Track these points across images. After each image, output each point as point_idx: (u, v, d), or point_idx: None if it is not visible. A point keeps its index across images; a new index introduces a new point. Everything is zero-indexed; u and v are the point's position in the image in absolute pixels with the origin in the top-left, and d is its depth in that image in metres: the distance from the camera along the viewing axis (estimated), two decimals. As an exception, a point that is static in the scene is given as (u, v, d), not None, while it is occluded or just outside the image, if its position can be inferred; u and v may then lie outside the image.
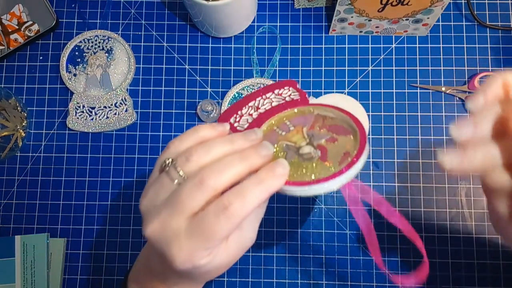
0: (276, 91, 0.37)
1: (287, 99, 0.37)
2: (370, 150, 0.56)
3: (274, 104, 0.36)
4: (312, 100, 0.37)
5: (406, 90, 0.57)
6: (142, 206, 0.30)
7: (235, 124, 0.35)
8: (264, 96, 0.37)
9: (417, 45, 0.58)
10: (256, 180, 0.28)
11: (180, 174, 0.29)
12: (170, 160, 0.30)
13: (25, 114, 0.58)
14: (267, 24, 0.59)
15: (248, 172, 0.29)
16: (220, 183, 0.28)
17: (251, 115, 0.36)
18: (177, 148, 0.31)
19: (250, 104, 0.37)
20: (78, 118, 0.58)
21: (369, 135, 0.56)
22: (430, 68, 0.57)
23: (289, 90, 0.37)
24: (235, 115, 0.36)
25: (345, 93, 0.57)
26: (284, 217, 0.55)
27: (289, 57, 0.58)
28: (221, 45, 0.59)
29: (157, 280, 0.35)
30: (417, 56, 0.58)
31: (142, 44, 0.60)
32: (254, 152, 0.29)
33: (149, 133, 0.58)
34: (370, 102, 0.57)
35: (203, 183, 0.27)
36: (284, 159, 0.30)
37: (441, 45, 0.58)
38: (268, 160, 0.30)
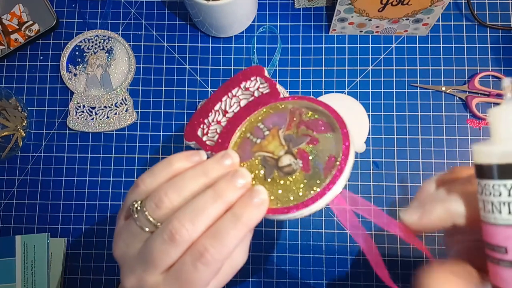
0: (242, 85, 0.33)
1: (256, 94, 0.33)
2: (370, 149, 0.56)
3: (242, 103, 0.32)
4: (281, 90, 0.34)
5: (406, 90, 0.57)
6: (115, 254, 0.28)
7: (204, 138, 0.32)
8: (230, 95, 0.33)
9: (417, 45, 0.58)
10: (232, 219, 0.26)
11: (151, 222, 0.26)
12: (139, 203, 0.27)
13: (26, 114, 0.58)
14: (267, 24, 0.59)
15: (225, 210, 0.26)
16: (194, 234, 0.25)
17: (219, 122, 0.32)
18: (148, 186, 0.28)
19: (217, 107, 0.32)
20: (78, 118, 0.58)
21: (369, 135, 0.56)
22: (430, 68, 0.57)
23: (257, 81, 0.33)
24: (202, 126, 0.32)
25: (345, 93, 0.57)
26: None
27: (289, 56, 0.58)
28: (221, 45, 0.59)
29: None
30: (417, 56, 0.58)
31: (143, 44, 0.60)
32: (229, 184, 0.26)
33: (150, 133, 0.58)
34: (370, 101, 0.57)
35: (175, 239, 0.25)
36: (261, 187, 0.27)
37: (441, 45, 0.58)
38: (247, 189, 0.27)
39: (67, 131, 0.58)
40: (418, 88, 0.57)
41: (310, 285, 0.54)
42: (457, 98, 0.57)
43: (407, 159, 0.55)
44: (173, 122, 0.58)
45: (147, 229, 0.26)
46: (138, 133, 0.58)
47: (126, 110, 0.58)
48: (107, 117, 0.57)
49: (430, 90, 0.57)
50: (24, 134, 0.58)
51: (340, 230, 0.54)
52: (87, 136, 0.58)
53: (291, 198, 0.28)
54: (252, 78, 0.33)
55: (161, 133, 0.58)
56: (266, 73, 0.33)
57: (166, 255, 0.25)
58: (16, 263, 0.55)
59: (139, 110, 0.58)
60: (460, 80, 0.57)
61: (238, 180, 0.27)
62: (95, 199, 0.57)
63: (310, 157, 0.29)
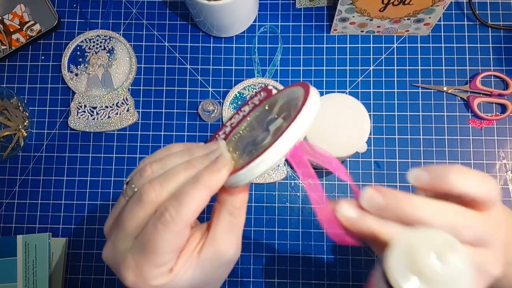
0: (250, 101, 0.34)
1: (256, 101, 0.34)
2: (372, 149, 0.56)
3: (245, 113, 0.34)
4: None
5: (408, 90, 0.57)
6: (104, 230, 0.29)
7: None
8: (240, 112, 0.34)
9: (419, 45, 0.58)
10: (192, 180, 0.26)
11: (135, 191, 0.27)
12: (129, 177, 0.28)
13: (27, 114, 0.58)
14: (268, 23, 0.59)
15: (207, 191, 0.26)
16: (160, 196, 0.26)
17: (225, 128, 0.34)
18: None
19: (227, 123, 0.34)
20: (79, 117, 0.58)
21: (370, 135, 0.55)
22: (431, 67, 0.57)
23: (261, 95, 0.34)
24: (215, 136, 0.34)
25: (346, 93, 0.57)
26: (285, 217, 0.55)
27: (290, 56, 0.58)
28: (223, 45, 0.59)
29: None
30: (419, 56, 0.58)
31: (144, 43, 0.60)
32: (204, 158, 0.27)
33: (151, 133, 0.58)
34: (372, 101, 0.57)
35: (142, 199, 0.25)
36: (226, 153, 0.28)
37: (442, 45, 0.58)
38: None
39: (69, 131, 0.58)
40: (420, 88, 0.57)
41: (311, 285, 0.54)
42: (459, 98, 0.57)
43: (409, 159, 0.55)
44: (174, 122, 0.58)
45: (127, 198, 0.27)
46: (139, 133, 0.58)
47: (127, 110, 0.58)
48: (109, 117, 0.58)
49: (432, 90, 0.57)
50: (26, 134, 0.58)
51: (341, 230, 0.54)
52: (88, 136, 0.58)
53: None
54: (258, 95, 0.35)
55: (162, 133, 0.58)
56: (274, 91, 0.34)
57: (133, 216, 0.26)
58: (18, 263, 0.55)
59: (140, 110, 0.58)
60: (461, 80, 0.57)
61: (214, 154, 0.27)
62: (97, 199, 0.57)
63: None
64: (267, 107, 0.33)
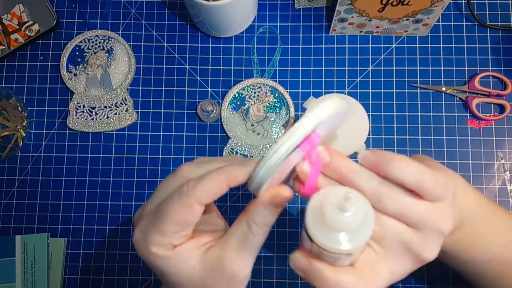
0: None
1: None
2: (369, 149, 0.56)
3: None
4: (311, 100, 0.34)
5: (406, 90, 0.57)
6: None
7: None
8: None
9: (418, 45, 0.58)
10: (219, 170, 0.28)
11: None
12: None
13: (26, 114, 0.58)
14: (267, 24, 0.59)
15: (226, 178, 0.28)
16: (192, 173, 0.29)
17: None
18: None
19: None
20: (78, 118, 0.58)
21: (369, 135, 0.56)
22: (430, 68, 0.57)
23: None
24: None
25: (345, 93, 0.57)
26: (285, 217, 0.55)
27: (289, 57, 0.58)
28: (222, 45, 0.59)
29: None
30: (417, 56, 0.58)
31: (143, 44, 0.60)
32: (240, 167, 0.28)
33: (150, 133, 0.58)
34: (370, 102, 0.57)
35: (176, 171, 0.29)
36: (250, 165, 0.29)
37: (441, 45, 0.58)
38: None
39: (67, 131, 0.58)
40: (418, 88, 0.57)
41: (310, 286, 0.54)
42: (457, 99, 0.57)
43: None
44: (173, 122, 0.58)
45: None
46: (138, 133, 0.58)
47: (126, 110, 0.58)
48: (107, 117, 0.57)
49: (430, 91, 0.57)
50: (24, 134, 0.58)
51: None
52: (87, 136, 0.58)
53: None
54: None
55: (161, 133, 0.58)
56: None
57: (164, 183, 0.29)
58: (16, 263, 0.55)
59: (139, 110, 0.58)
60: (460, 81, 0.57)
61: (247, 167, 0.28)
62: (95, 199, 0.57)
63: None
64: None
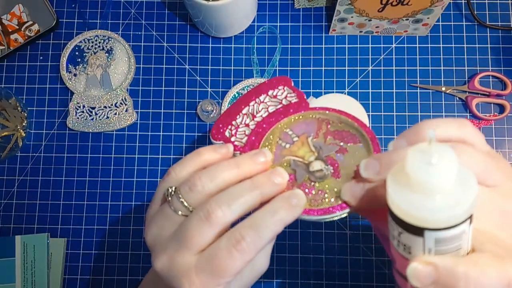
0: (270, 93, 0.35)
1: (284, 102, 0.34)
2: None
3: (270, 109, 0.34)
4: (311, 100, 0.35)
5: (406, 90, 0.57)
6: (148, 239, 0.29)
7: (232, 139, 0.33)
8: (258, 100, 0.34)
9: (417, 45, 0.58)
10: (271, 212, 0.27)
11: (185, 205, 0.27)
12: (173, 189, 0.28)
13: (25, 114, 0.58)
14: (267, 24, 0.59)
15: (260, 202, 0.27)
16: (229, 217, 0.26)
17: (247, 125, 0.33)
18: (179, 175, 0.29)
19: (244, 111, 0.34)
20: (78, 118, 0.58)
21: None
22: (430, 68, 0.57)
23: (284, 90, 0.35)
24: (230, 127, 0.33)
25: (345, 93, 0.57)
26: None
27: (289, 57, 0.58)
28: (221, 45, 0.59)
29: None
30: (417, 56, 0.58)
31: (142, 44, 0.60)
32: (267, 180, 0.28)
33: (149, 133, 0.58)
34: (370, 102, 0.57)
35: (211, 218, 0.26)
36: (299, 190, 0.29)
37: (441, 45, 0.58)
38: (282, 188, 0.28)
39: (67, 131, 0.58)
40: (418, 88, 0.57)
41: (310, 285, 0.54)
42: (457, 99, 0.57)
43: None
44: (173, 122, 0.58)
45: (180, 213, 0.28)
46: (138, 133, 0.58)
47: (126, 110, 0.58)
48: (107, 117, 0.57)
49: (430, 90, 0.57)
50: (24, 134, 0.58)
51: (340, 230, 0.54)
52: (87, 136, 0.58)
53: (325, 205, 0.29)
54: (280, 87, 0.35)
55: (161, 133, 0.58)
56: (292, 83, 0.35)
57: (201, 234, 0.26)
58: (16, 263, 0.55)
59: (139, 110, 0.58)
60: (460, 81, 0.57)
61: (277, 178, 0.28)
62: (95, 199, 0.57)
63: (340, 164, 0.30)
64: (304, 118, 0.33)
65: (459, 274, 0.21)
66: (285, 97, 0.35)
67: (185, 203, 0.27)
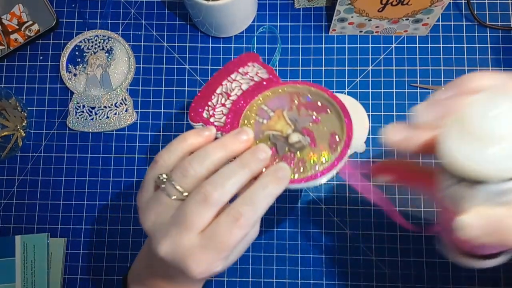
0: (241, 70, 0.36)
1: (256, 78, 0.36)
2: (370, 149, 0.56)
3: (244, 87, 0.35)
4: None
5: (406, 90, 0.57)
6: (146, 226, 0.30)
7: (211, 119, 0.35)
8: (230, 79, 0.36)
9: (417, 45, 0.58)
10: (262, 188, 0.29)
11: (180, 191, 0.29)
12: (164, 176, 0.30)
13: (25, 114, 0.58)
14: (267, 24, 0.59)
15: (249, 179, 0.29)
16: (224, 196, 0.28)
17: (224, 105, 0.35)
18: (167, 162, 0.31)
19: (218, 91, 0.35)
20: (78, 118, 0.58)
21: (369, 135, 0.56)
22: (430, 68, 0.57)
23: (254, 67, 0.36)
24: (206, 108, 0.35)
25: (345, 93, 0.57)
26: (284, 216, 0.55)
27: (289, 57, 0.58)
28: (221, 45, 0.59)
29: (162, 280, 0.35)
30: (417, 56, 0.58)
31: (142, 44, 0.60)
32: (253, 157, 0.30)
33: (149, 133, 0.58)
34: (370, 102, 0.57)
35: (208, 200, 0.28)
36: (284, 163, 0.31)
37: (441, 45, 0.58)
38: (267, 163, 0.30)
39: (67, 131, 0.58)
40: (418, 88, 0.57)
41: (309, 286, 0.54)
42: (457, 98, 0.57)
43: (407, 159, 0.55)
44: (173, 122, 0.58)
45: (174, 197, 0.29)
46: (137, 133, 0.58)
47: (126, 110, 0.58)
48: (107, 117, 0.57)
49: (430, 90, 0.57)
50: (24, 134, 0.58)
51: (340, 230, 0.54)
52: (87, 136, 0.58)
53: (308, 173, 0.31)
54: (249, 64, 0.36)
55: (161, 133, 0.58)
56: (260, 59, 0.36)
57: (200, 216, 0.28)
58: (16, 263, 0.55)
59: (139, 110, 0.58)
60: (460, 80, 0.57)
61: (261, 154, 0.30)
62: (95, 199, 0.57)
63: (315, 133, 0.32)
64: (277, 93, 0.34)
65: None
66: (256, 74, 0.36)
67: (180, 189, 0.29)
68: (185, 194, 0.29)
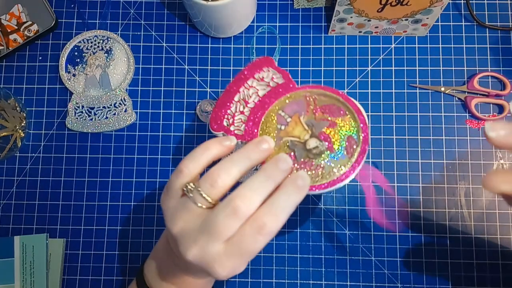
0: (256, 76, 0.36)
1: (272, 84, 0.36)
2: (370, 150, 0.56)
3: (260, 93, 0.36)
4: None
5: (405, 90, 0.57)
6: (174, 231, 0.32)
7: (231, 128, 0.35)
8: (246, 85, 0.36)
9: (416, 45, 0.58)
10: (283, 197, 0.30)
11: (208, 201, 0.31)
12: (192, 185, 0.32)
13: (24, 115, 0.58)
14: (266, 24, 0.59)
15: (274, 189, 0.31)
16: (252, 209, 0.30)
17: (242, 112, 0.36)
18: (192, 171, 0.32)
19: (236, 98, 0.36)
20: (77, 118, 0.57)
21: (368, 135, 0.56)
22: (429, 68, 0.57)
23: (269, 72, 0.37)
24: (226, 116, 0.36)
25: (344, 93, 0.57)
26: (284, 217, 0.55)
27: (288, 57, 0.58)
28: (221, 45, 0.59)
29: (181, 271, 0.37)
30: (416, 56, 0.58)
31: (142, 44, 0.60)
32: (276, 169, 0.31)
33: (148, 134, 0.58)
34: (369, 102, 0.57)
35: (237, 213, 0.29)
36: (303, 171, 0.32)
37: (440, 45, 0.58)
38: (289, 172, 0.32)
39: (66, 132, 0.58)
40: (417, 88, 0.57)
41: (309, 286, 0.54)
42: (456, 99, 0.57)
43: (406, 159, 0.55)
44: (172, 122, 0.58)
45: (203, 206, 0.31)
46: (137, 133, 0.58)
47: (125, 111, 0.58)
48: (106, 118, 0.57)
49: (429, 91, 0.57)
50: (23, 135, 0.58)
51: (340, 230, 0.54)
52: (86, 136, 0.58)
53: (325, 181, 0.32)
54: (265, 69, 0.36)
55: (160, 134, 0.58)
56: (276, 63, 0.37)
57: (229, 227, 0.30)
58: (15, 264, 0.55)
59: (138, 111, 0.58)
60: (459, 81, 0.57)
61: (283, 164, 0.31)
62: (94, 200, 0.57)
63: (332, 138, 0.33)
64: (293, 98, 0.35)
65: None
66: (272, 79, 0.36)
67: (207, 198, 0.31)
68: (213, 202, 0.31)
